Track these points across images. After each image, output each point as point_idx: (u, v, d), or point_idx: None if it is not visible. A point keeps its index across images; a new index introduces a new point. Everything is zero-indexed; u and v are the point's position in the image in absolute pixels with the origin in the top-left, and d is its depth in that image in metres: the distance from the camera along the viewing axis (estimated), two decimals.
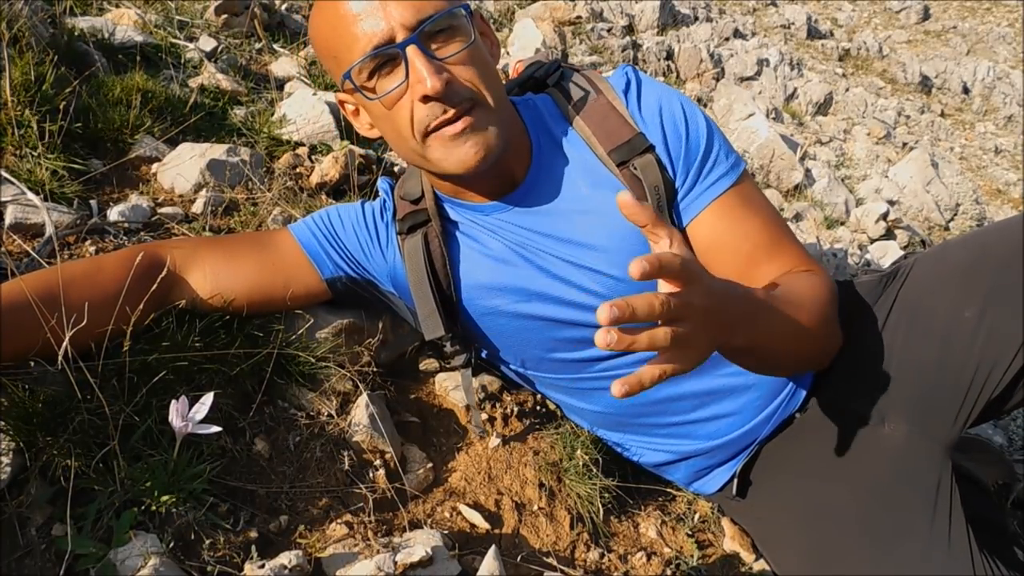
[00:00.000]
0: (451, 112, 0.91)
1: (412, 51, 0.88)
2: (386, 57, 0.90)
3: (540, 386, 1.23)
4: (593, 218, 1.03)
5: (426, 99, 0.90)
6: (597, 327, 1.14)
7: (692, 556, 1.17)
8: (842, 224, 3.31)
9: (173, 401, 0.85)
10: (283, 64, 2.28)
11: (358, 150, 1.74)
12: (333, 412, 1.10)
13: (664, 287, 0.72)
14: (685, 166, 1.02)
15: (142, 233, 1.32)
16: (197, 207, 1.42)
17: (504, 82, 1.19)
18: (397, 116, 0.94)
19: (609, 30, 4.92)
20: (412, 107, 0.92)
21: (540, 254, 1.05)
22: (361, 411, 1.10)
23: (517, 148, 1.04)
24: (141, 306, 0.92)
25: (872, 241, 3.12)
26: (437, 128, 0.93)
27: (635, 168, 1.00)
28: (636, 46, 4.95)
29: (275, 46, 2.45)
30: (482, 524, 1.07)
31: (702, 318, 0.70)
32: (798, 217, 3.04)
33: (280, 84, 2.16)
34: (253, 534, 0.90)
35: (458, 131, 0.92)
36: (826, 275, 1.04)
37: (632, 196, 0.70)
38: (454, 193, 1.08)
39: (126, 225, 1.31)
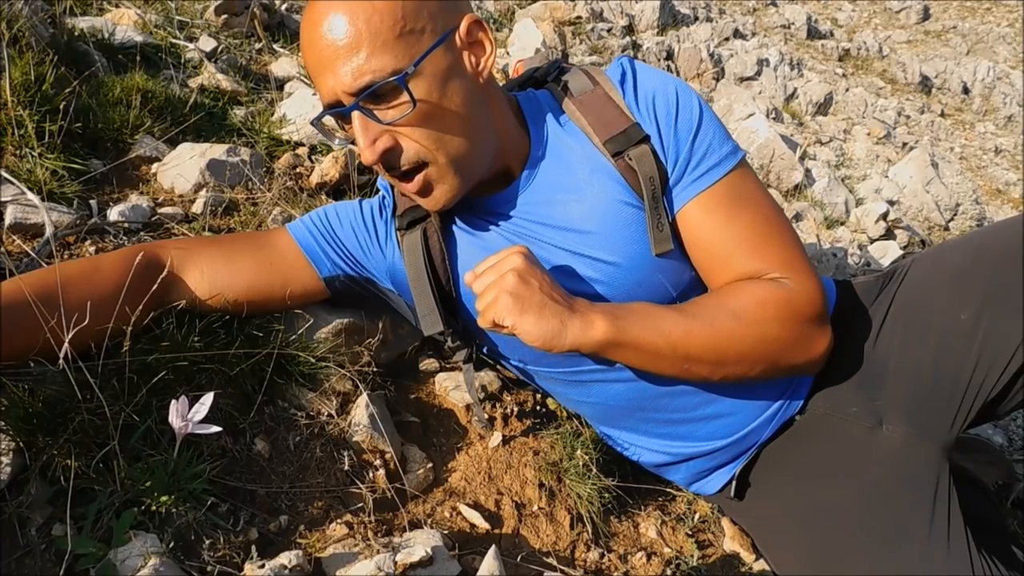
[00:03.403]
0: (396, 173, 0.95)
1: (355, 116, 0.90)
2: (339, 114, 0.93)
3: (540, 380, 1.23)
4: (588, 205, 1.03)
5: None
6: None
7: (692, 556, 1.17)
8: (842, 224, 3.31)
9: (173, 401, 0.85)
10: (283, 64, 2.28)
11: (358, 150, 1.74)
12: (333, 412, 1.10)
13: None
14: (675, 154, 1.01)
15: (142, 233, 1.32)
16: (197, 207, 1.42)
17: (504, 82, 1.19)
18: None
19: (609, 30, 4.93)
20: None
21: (539, 243, 1.05)
22: (361, 411, 1.10)
23: (515, 145, 1.05)
24: (140, 306, 0.92)
25: (872, 241, 3.11)
26: (395, 178, 0.96)
27: (630, 159, 1.00)
28: (636, 46, 4.95)
29: (275, 46, 2.45)
30: (482, 524, 1.07)
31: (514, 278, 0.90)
32: (798, 217, 3.04)
33: (280, 84, 2.16)
34: (253, 534, 0.90)
35: (414, 191, 0.97)
36: (798, 285, 1.00)
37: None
38: None
39: (126, 225, 1.31)
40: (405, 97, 0.89)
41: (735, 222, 1.00)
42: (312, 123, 0.97)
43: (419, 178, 0.95)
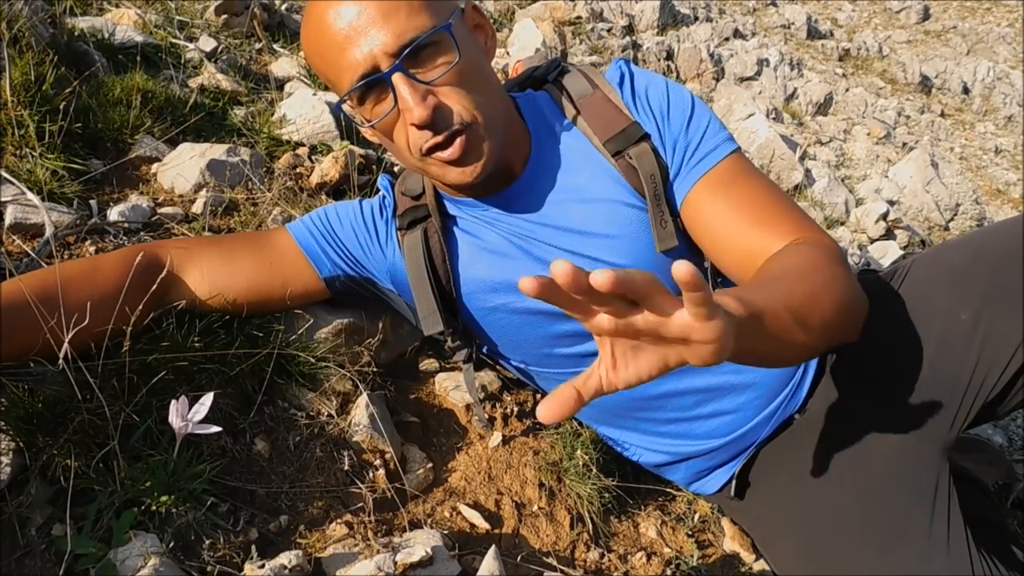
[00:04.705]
0: (441, 136, 0.92)
1: (398, 78, 0.89)
2: (374, 84, 0.92)
3: (540, 381, 1.23)
4: (591, 206, 1.03)
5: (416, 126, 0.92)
6: None
7: (692, 556, 1.17)
8: (842, 224, 3.31)
9: (173, 401, 0.85)
10: (283, 64, 2.28)
11: (358, 150, 1.74)
12: (333, 412, 1.10)
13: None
14: (672, 144, 1.01)
15: (142, 233, 1.32)
16: (197, 207, 1.42)
17: (503, 82, 1.20)
18: (395, 137, 0.96)
19: (609, 30, 4.93)
20: (407, 129, 0.94)
21: (539, 245, 1.06)
22: (361, 411, 1.10)
23: (516, 144, 1.05)
24: (140, 306, 0.92)
25: (872, 241, 3.12)
26: (432, 150, 0.94)
27: (631, 157, 1.01)
28: (636, 46, 4.96)
29: (275, 46, 2.45)
30: (482, 524, 1.07)
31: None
32: None
33: (280, 84, 2.16)
34: (253, 534, 0.90)
35: (453, 157, 0.94)
36: (828, 241, 0.96)
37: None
38: (454, 191, 1.08)
39: (126, 225, 1.31)
40: (443, 57, 0.91)
41: (742, 198, 0.99)
42: (335, 107, 0.97)
43: (460, 140, 0.94)
